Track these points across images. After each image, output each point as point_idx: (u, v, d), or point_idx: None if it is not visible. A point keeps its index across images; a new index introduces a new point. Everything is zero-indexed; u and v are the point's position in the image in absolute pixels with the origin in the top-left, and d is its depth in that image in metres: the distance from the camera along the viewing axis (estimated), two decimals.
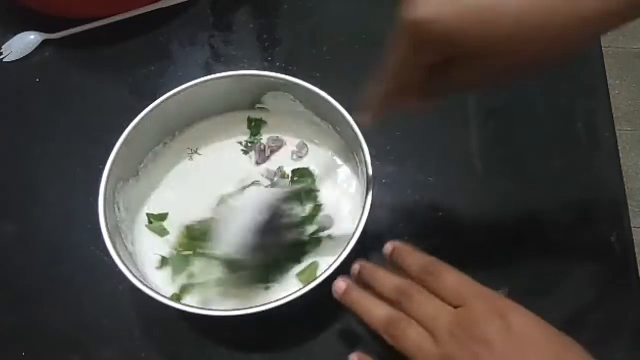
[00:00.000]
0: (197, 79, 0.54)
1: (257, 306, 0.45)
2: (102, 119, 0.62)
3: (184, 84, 0.54)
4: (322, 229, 0.53)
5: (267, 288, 0.51)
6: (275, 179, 0.56)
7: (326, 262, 0.50)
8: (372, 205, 0.48)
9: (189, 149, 0.58)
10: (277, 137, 0.58)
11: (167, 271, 0.53)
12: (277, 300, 0.44)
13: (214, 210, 0.54)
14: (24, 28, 0.68)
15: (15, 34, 0.68)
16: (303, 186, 0.55)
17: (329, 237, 0.53)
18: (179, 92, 0.54)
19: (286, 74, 0.54)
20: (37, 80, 0.67)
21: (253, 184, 0.55)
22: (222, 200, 0.54)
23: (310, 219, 0.53)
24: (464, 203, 0.57)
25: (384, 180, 0.57)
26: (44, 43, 0.68)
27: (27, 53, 0.68)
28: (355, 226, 0.47)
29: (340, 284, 0.44)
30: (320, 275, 0.45)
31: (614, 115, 0.61)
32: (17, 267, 0.57)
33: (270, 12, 0.69)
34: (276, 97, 0.56)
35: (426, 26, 0.34)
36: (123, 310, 0.53)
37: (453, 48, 0.35)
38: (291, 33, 0.68)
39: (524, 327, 0.37)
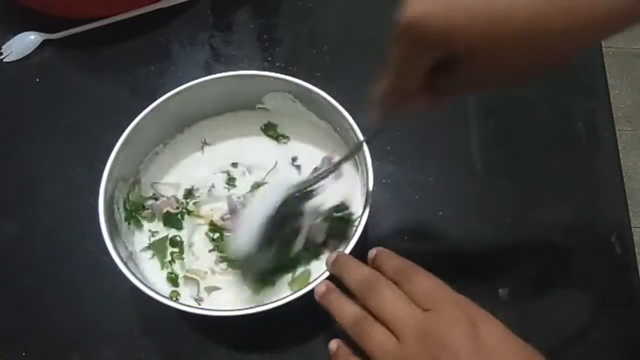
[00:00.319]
0: (197, 79, 0.54)
1: (257, 306, 0.45)
2: (102, 119, 0.62)
3: (184, 84, 0.54)
4: (343, 207, 0.52)
5: (267, 286, 0.51)
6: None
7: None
8: (372, 206, 0.48)
9: (189, 148, 0.58)
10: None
11: (167, 271, 0.53)
12: (277, 300, 0.44)
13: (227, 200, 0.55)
14: (24, 28, 0.68)
15: (15, 34, 0.68)
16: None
17: (350, 215, 0.52)
18: (179, 92, 0.54)
19: (286, 74, 0.54)
20: (37, 80, 0.67)
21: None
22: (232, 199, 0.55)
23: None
24: (464, 203, 0.57)
25: (384, 180, 0.57)
26: (44, 43, 0.68)
27: (27, 53, 0.68)
28: (356, 226, 0.47)
29: (321, 286, 0.43)
30: (321, 275, 0.45)
31: (614, 115, 0.61)
32: (17, 267, 0.57)
33: (270, 12, 0.69)
34: (276, 97, 0.56)
35: (419, 24, 0.34)
36: (123, 310, 0.54)
37: (448, 46, 0.35)
38: (291, 33, 0.68)
39: (491, 336, 0.36)
